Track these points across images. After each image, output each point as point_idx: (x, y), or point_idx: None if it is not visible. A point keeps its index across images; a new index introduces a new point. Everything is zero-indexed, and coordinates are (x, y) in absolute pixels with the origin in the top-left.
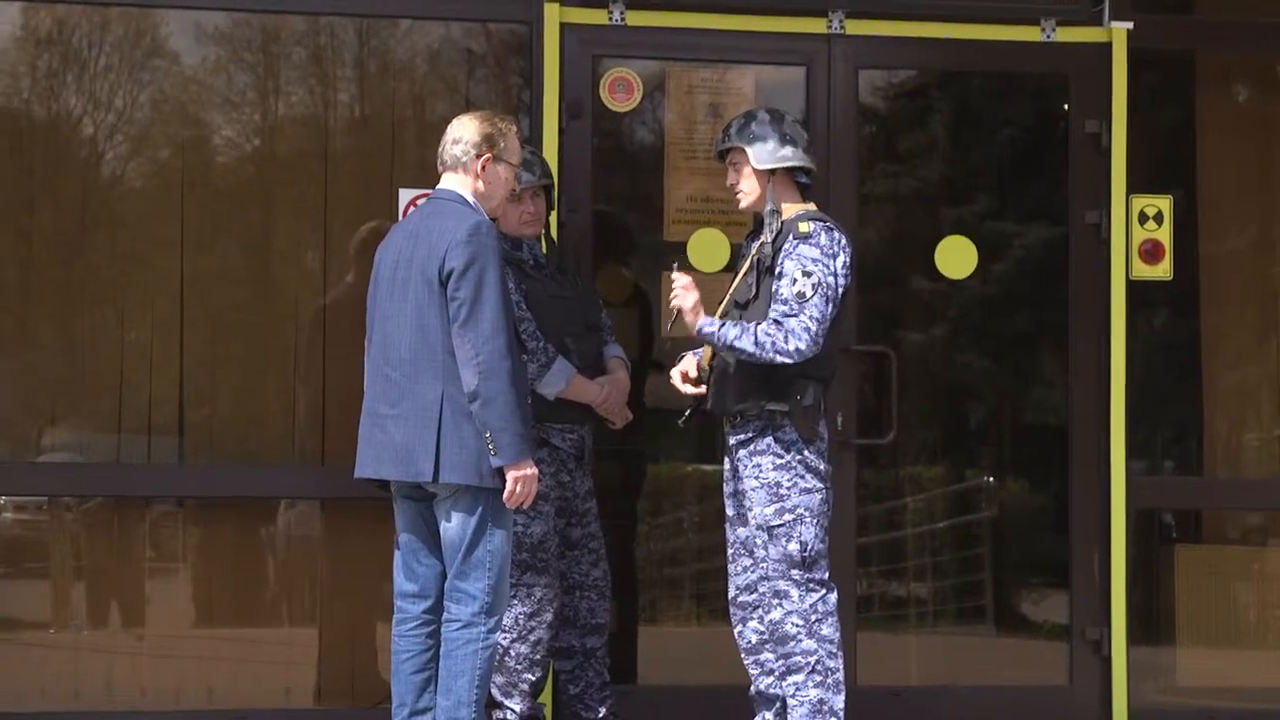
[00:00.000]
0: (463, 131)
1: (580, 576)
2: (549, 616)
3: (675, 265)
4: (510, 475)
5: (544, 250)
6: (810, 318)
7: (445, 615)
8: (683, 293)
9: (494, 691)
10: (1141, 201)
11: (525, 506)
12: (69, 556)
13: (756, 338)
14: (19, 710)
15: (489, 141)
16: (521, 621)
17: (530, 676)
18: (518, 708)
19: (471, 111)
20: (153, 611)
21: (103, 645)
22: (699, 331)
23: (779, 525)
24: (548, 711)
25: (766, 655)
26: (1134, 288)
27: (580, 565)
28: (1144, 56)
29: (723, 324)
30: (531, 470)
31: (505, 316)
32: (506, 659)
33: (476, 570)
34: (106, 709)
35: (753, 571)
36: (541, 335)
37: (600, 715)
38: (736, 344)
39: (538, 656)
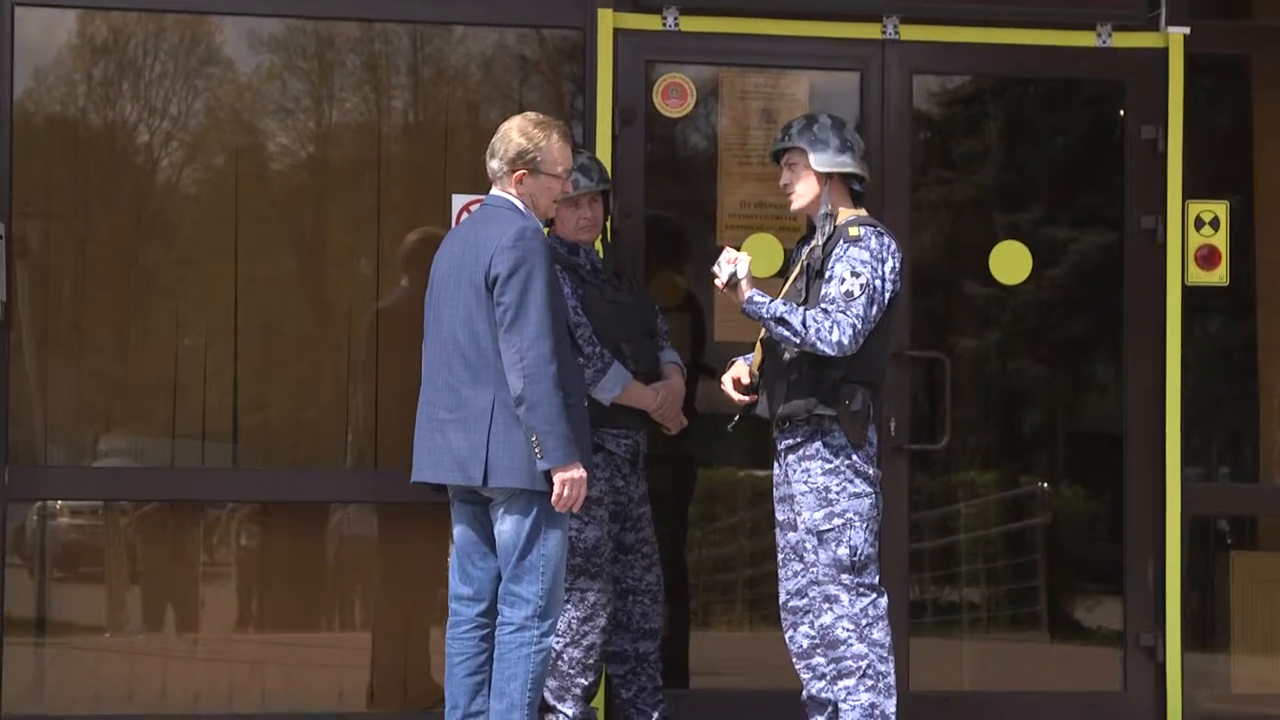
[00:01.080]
0: (500, 146)
1: (634, 581)
2: (602, 621)
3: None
4: (557, 479)
5: (601, 255)
6: (856, 316)
7: (499, 619)
8: (741, 258)
9: (547, 695)
10: (1198, 207)
11: (575, 510)
12: (123, 561)
13: (803, 318)
14: (73, 714)
15: (522, 157)
16: (575, 626)
17: (583, 681)
18: (570, 712)
19: (515, 117)
20: (206, 615)
21: (156, 649)
22: (748, 300)
23: (828, 530)
24: (600, 716)
25: (818, 660)
26: (1190, 293)
27: (634, 570)
28: (1200, 61)
29: (773, 298)
30: (579, 473)
31: (552, 320)
32: (559, 663)
33: (530, 574)
34: (160, 712)
35: (803, 576)
36: (597, 340)
37: (653, 719)
38: (787, 316)
39: (590, 661)
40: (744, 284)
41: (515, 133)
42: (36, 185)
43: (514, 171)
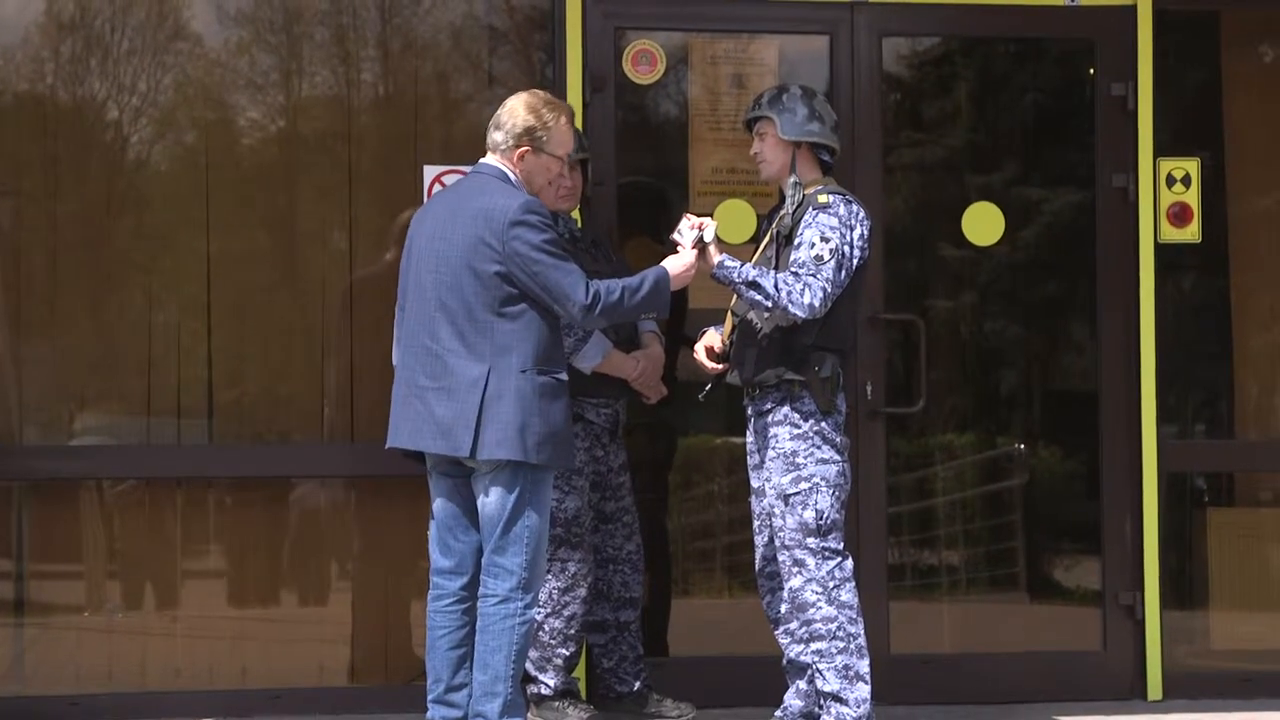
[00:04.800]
0: (507, 119)
1: (614, 550)
2: (583, 591)
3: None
4: (679, 278)
5: (579, 224)
6: (826, 279)
7: (482, 590)
8: (707, 223)
9: (528, 666)
10: (1169, 164)
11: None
12: (101, 539)
13: (775, 282)
14: (53, 693)
15: (529, 134)
16: (555, 596)
17: (564, 651)
18: (552, 682)
19: (524, 93)
20: (185, 592)
21: (135, 627)
22: (718, 266)
23: (795, 493)
24: (581, 685)
25: (795, 624)
26: (1162, 251)
27: (614, 539)
28: (1169, 18)
29: (743, 263)
30: (679, 263)
31: (570, 268)
32: (540, 634)
33: (514, 545)
34: (140, 690)
35: (776, 542)
36: None
37: (634, 688)
38: (759, 280)
39: (572, 631)
40: (712, 249)
41: (524, 109)
42: (6, 163)
43: (518, 147)
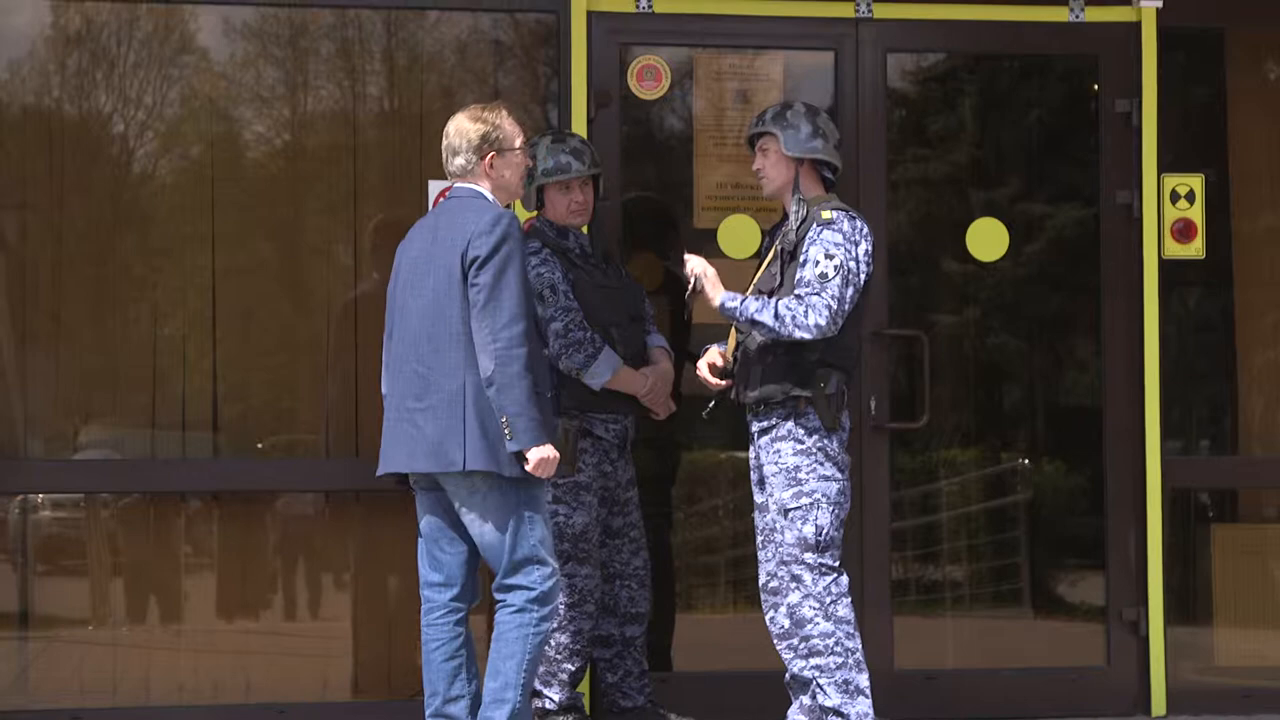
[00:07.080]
0: (459, 140)
1: (621, 565)
2: (590, 607)
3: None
4: (531, 457)
5: (589, 239)
6: (832, 297)
7: (499, 602)
8: (702, 267)
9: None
10: (1173, 180)
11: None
12: (105, 553)
13: (777, 311)
14: (58, 707)
15: (486, 141)
16: (563, 612)
17: (570, 666)
18: (556, 697)
19: (456, 115)
20: (190, 607)
21: (140, 641)
22: (720, 306)
23: (795, 508)
24: (586, 700)
25: (797, 640)
26: (1166, 267)
27: (621, 554)
28: (1173, 35)
29: (744, 298)
30: (551, 453)
31: (525, 305)
32: (546, 648)
33: (527, 564)
34: (144, 704)
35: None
36: (587, 325)
37: (638, 703)
38: (757, 316)
39: (578, 646)
40: (708, 289)
41: (470, 122)
42: (12, 177)
43: (484, 157)
